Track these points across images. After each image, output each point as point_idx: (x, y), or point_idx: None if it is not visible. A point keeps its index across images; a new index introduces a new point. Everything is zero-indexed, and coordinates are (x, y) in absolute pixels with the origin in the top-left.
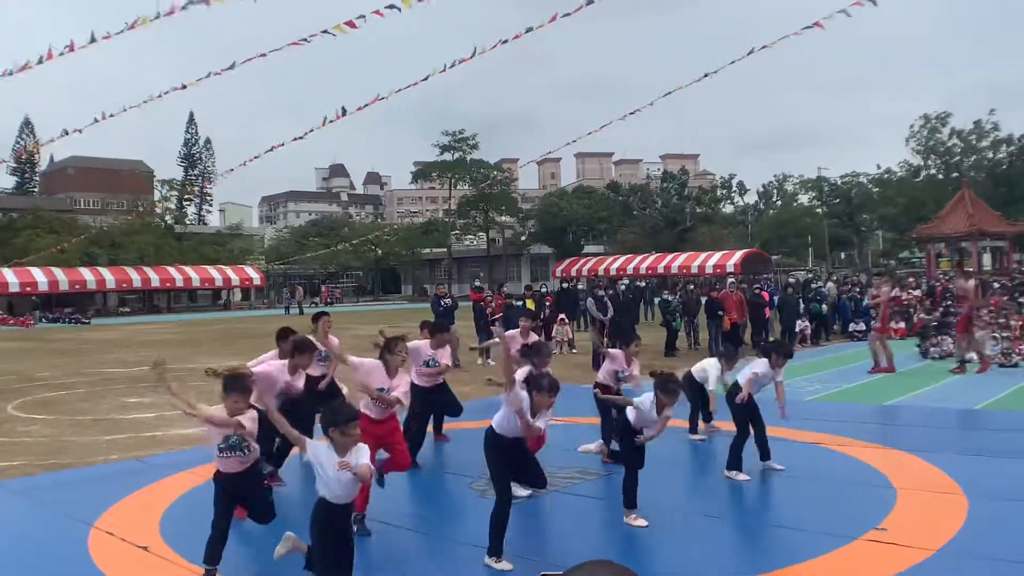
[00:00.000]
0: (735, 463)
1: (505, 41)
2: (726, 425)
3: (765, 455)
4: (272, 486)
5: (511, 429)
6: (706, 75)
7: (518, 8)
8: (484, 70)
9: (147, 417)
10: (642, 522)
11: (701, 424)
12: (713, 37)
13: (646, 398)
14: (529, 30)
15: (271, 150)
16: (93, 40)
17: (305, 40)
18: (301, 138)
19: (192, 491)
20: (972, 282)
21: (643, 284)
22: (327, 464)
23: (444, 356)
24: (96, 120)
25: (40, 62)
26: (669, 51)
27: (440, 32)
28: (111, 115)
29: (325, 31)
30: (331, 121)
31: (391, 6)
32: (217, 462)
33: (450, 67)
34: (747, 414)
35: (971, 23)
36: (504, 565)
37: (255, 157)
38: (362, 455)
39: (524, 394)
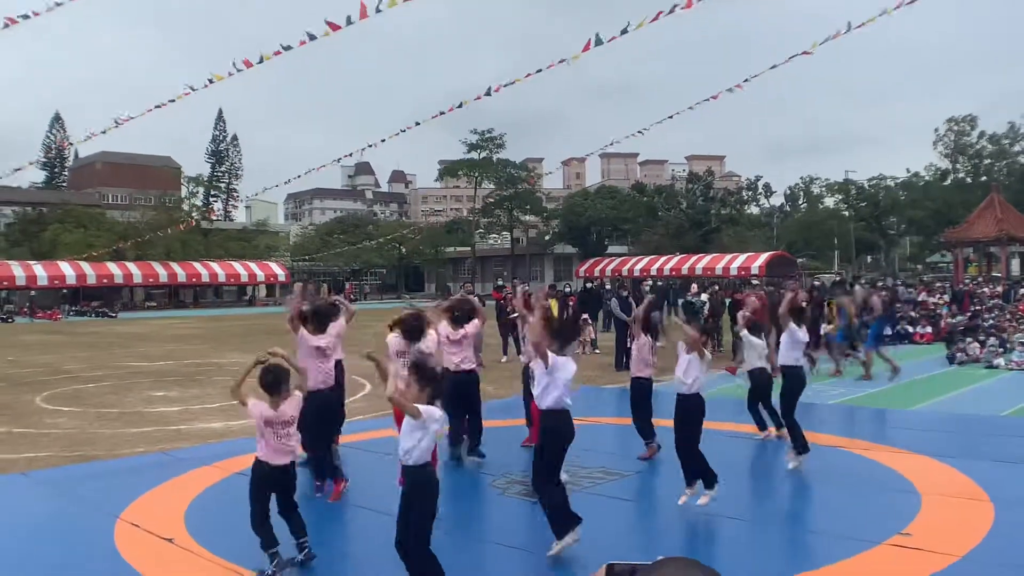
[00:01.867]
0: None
1: (563, 60)
2: (730, 426)
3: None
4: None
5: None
6: (746, 80)
7: (540, 7)
8: (511, 70)
9: (172, 411)
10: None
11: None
12: (744, 37)
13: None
14: (599, 43)
15: (317, 167)
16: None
17: (312, 37)
18: (347, 155)
19: (217, 484)
20: None
21: (662, 284)
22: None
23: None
24: (116, 123)
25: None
26: (698, 51)
27: (472, 31)
28: (132, 116)
29: (312, 34)
30: (397, 135)
31: (378, 10)
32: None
33: (505, 85)
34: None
35: (1005, 29)
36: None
37: (297, 176)
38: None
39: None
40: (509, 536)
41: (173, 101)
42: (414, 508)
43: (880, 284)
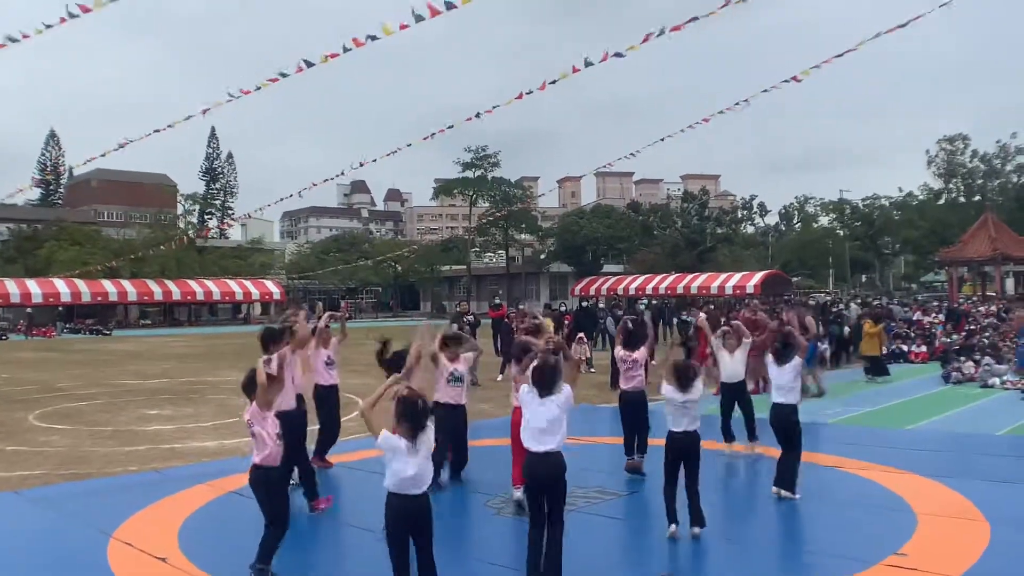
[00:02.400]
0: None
1: (554, 82)
2: (719, 446)
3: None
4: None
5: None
6: (737, 104)
7: (533, 20)
8: (507, 88)
9: (166, 429)
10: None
11: (738, 447)
12: (739, 53)
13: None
14: (589, 64)
15: (315, 184)
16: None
17: (309, 64)
18: (340, 174)
19: (210, 503)
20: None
21: (656, 303)
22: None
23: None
24: (120, 146)
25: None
26: (693, 68)
27: (463, 45)
28: (130, 140)
29: (309, 61)
30: (389, 155)
31: (372, 37)
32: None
33: (506, 104)
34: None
35: (1000, 45)
36: None
37: (290, 196)
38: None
39: None
40: (502, 555)
41: (171, 127)
42: None
43: (875, 302)
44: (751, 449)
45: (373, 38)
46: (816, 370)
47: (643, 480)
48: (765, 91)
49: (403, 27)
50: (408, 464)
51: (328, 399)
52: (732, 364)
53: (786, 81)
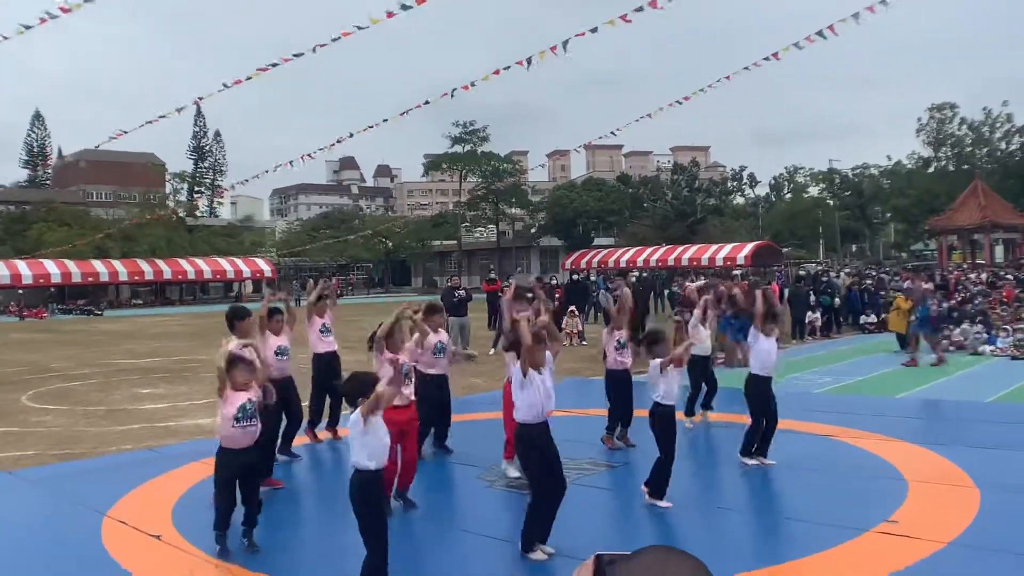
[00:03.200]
0: (747, 449)
1: (525, 61)
2: (720, 416)
3: (763, 449)
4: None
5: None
6: (727, 77)
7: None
8: (496, 61)
9: (159, 408)
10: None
11: (700, 415)
12: (727, 28)
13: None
14: (594, 30)
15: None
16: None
17: (297, 55)
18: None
19: (204, 481)
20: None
21: (647, 275)
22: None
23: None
24: (112, 138)
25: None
26: (682, 44)
27: (457, 20)
28: (125, 131)
29: (297, 53)
30: (367, 129)
31: (359, 27)
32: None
33: (493, 73)
34: (762, 406)
35: (989, 17)
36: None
37: (277, 167)
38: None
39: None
40: (496, 528)
41: (163, 117)
42: None
43: (865, 272)
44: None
45: (360, 28)
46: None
47: (634, 450)
48: (746, 68)
49: (390, 15)
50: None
51: (328, 366)
52: (707, 337)
53: (766, 59)
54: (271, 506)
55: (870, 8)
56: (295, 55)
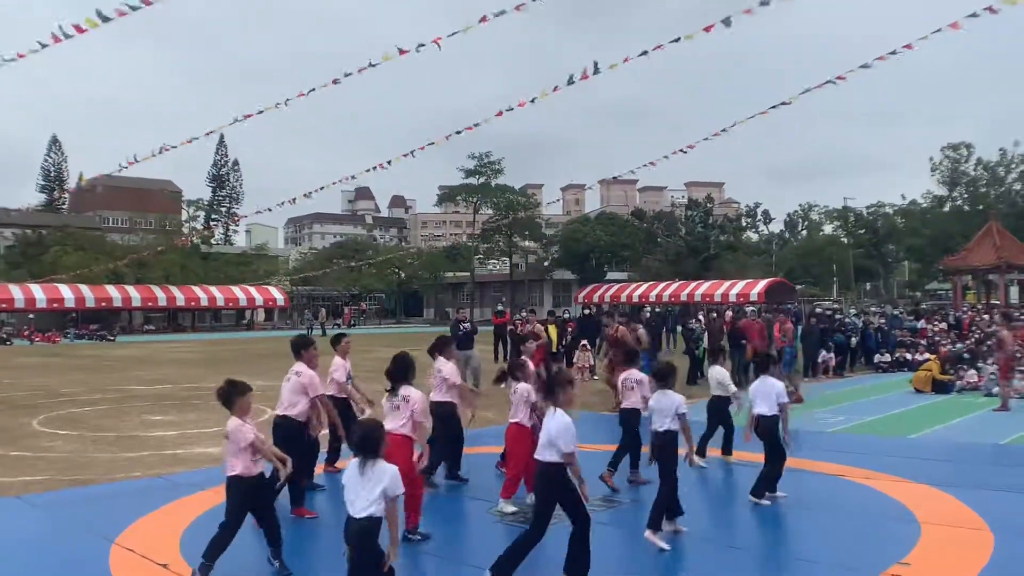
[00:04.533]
0: (759, 491)
1: (533, 99)
2: (742, 455)
3: (773, 486)
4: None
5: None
6: (746, 119)
7: (544, 26)
8: (511, 94)
9: (169, 435)
10: (663, 544)
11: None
12: (743, 60)
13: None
14: (612, 67)
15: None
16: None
17: (312, 90)
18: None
19: (213, 510)
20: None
21: (660, 311)
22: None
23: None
24: (122, 168)
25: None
26: (697, 76)
27: (469, 51)
28: (137, 160)
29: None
30: (388, 163)
31: (372, 64)
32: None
33: (507, 111)
34: (773, 444)
35: (1006, 54)
36: None
37: (292, 200)
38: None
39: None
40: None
41: (175, 147)
42: None
43: (876, 312)
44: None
45: (373, 64)
46: (795, 376)
47: (647, 487)
48: (763, 113)
49: (403, 53)
50: None
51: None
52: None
53: (774, 107)
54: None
55: (881, 58)
56: (311, 90)
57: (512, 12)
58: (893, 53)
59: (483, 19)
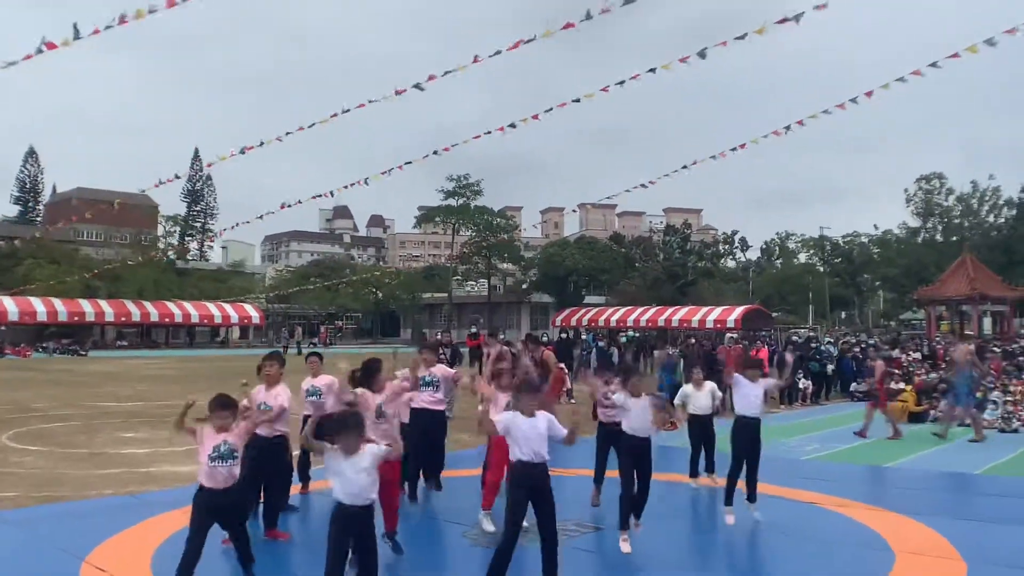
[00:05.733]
0: (729, 498)
1: (564, 103)
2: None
3: (752, 496)
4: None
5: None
6: (722, 154)
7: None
8: (493, 112)
9: (141, 452)
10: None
11: (704, 479)
12: (724, 87)
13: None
14: (588, 95)
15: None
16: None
17: (300, 128)
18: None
19: (185, 529)
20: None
21: (638, 335)
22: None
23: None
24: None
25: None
26: (680, 100)
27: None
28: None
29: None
30: (366, 180)
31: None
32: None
33: (486, 134)
34: (748, 448)
35: (986, 85)
36: None
37: (269, 213)
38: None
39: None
40: None
41: (161, 183)
42: None
43: (853, 342)
44: (713, 481)
45: (372, 101)
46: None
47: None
48: (743, 146)
49: (399, 92)
50: None
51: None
52: (702, 398)
53: (764, 136)
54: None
55: (868, 94)
56: (309, 126)
57: (495, 32)
58: (866, 95)
59: (475, 59)
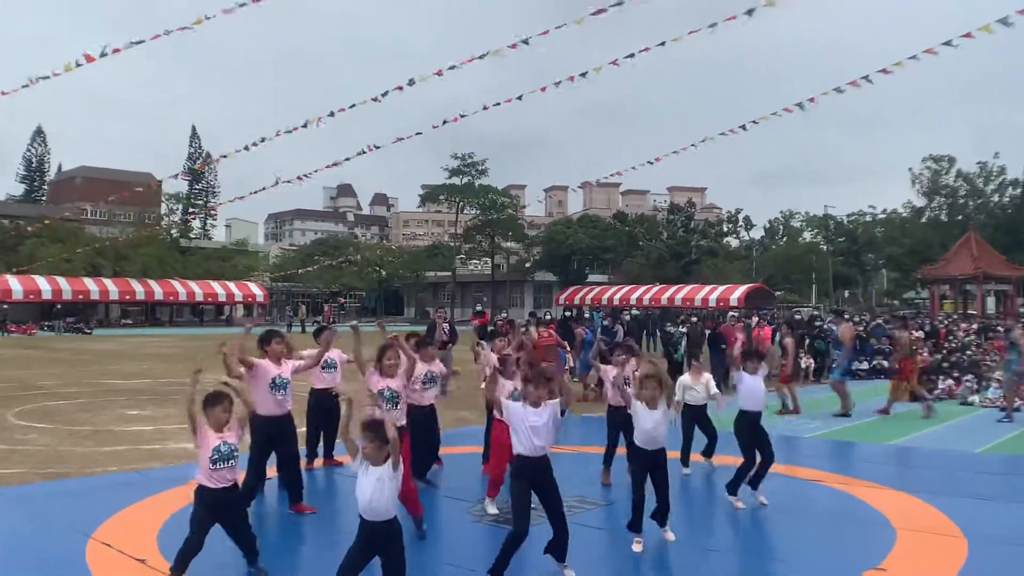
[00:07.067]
0: (734, 487)
1: (572, 77)
2: (723, 459)
3: (755, 484)
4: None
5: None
6: (732, 131)
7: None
8: (498, 87)
9: (146, 430)
10: (638, 548)
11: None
12: (730, 63)
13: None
14: (596, 69)
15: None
16: (104, 54)
17: (308, 124)
18: (323, 169)
19: (190, 506)
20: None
21: (640, 313)
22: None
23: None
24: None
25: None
26: (686, 73)
27: (456, 44)
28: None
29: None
30: (377, 147)
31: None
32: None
33: (494, 106)
34: (754, 441)
35: (993, 66)
36: None
37: (266, 188)
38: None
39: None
40: (483, 562)
41: (171, 179)
42: None
43: (856, 319)
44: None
45: (375, 100)
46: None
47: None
48: (755, 122)
49: (399, 88)
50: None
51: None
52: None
53: (775, 113)
54: (269, 536)
55: (879, 72)
56: (329, 115)
57: (503, 13)
58: (883, 72)
59: (513, 46)
